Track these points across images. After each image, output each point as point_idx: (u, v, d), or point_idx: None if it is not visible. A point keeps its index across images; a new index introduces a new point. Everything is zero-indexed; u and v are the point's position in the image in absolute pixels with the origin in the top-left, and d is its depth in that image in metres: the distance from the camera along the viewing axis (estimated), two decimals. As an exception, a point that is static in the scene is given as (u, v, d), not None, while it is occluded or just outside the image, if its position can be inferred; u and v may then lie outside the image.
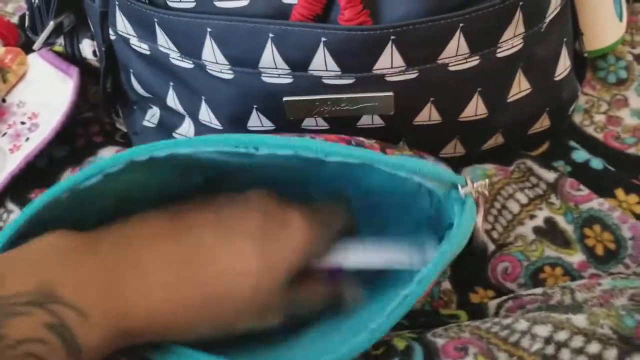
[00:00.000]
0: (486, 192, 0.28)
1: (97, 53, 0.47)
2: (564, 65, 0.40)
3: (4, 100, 0.48)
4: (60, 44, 0.48)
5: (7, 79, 0.49)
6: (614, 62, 0.49)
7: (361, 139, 0.30)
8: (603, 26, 0.45)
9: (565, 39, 0.39)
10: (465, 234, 0.28)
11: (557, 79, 0.41)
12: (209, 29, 0.32)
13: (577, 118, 0.47)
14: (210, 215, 0.28)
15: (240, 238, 0.27)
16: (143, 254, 0.26)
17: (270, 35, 0.32)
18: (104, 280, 0.24)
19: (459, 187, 0.28)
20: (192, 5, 0.33)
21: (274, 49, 0.32)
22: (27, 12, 0.44)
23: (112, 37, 0.39)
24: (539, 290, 0.36)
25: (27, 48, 0.50)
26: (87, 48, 0.47)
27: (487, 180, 0.29)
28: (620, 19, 0.46)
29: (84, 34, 0.47)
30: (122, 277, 0.25)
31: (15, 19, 0.56)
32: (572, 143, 0.46)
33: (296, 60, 0.33)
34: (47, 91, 0.48)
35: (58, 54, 0.49)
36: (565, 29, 0.39)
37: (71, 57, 0.48)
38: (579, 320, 0.28)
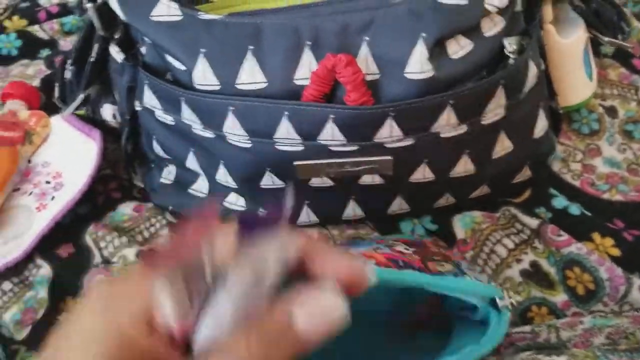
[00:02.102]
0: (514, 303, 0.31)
1: (117, 116, 0.51)
2: (541, 124, 0.46)
3: (29, 161, 0.52)
4: (81, 108, 0.52)
5: (32, 140, 0.53)
6: (587, 115, 0.55)
7: (403, 250, 0.32)
8: (575, 87, 0.50)
9: (541, 103, 0.45)
10: (497, 342, 0.30)
11: (535, 137, 0.46)
12: (231, 108, 0.37)
13: (556, 166, 0.52)
14: None
15: None
16: None
17: (286, 112, 0.36)
18: None
19: (497, 300, 0.30)
20: (217, 87, 0.37)
21: (289, 124, 0.37)
22: (56, 84, 0.48)
23: (138, 108, 0.44)
24: (527, 328, 0.40)
25: (47, 109, 0.54)
26: (107, 112, 0.52)
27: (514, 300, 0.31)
28: (591, 79, 0.52)
29: (105, 99, 0.51)
30: None
31: (36, 82, 0.60)
32: (552, 190, 0.50)
33: (307, 132, 0.38)
34: (70, 152, 0.52)
35: (80, 116, 0.53)
36: (541, 95, 0.44)
37: (92, 119, 0.52)
38: (561, 361, 0.32)
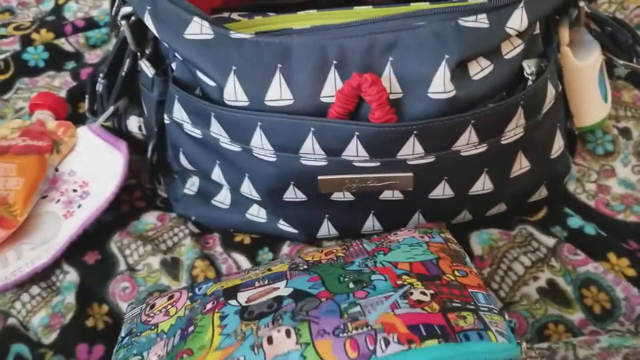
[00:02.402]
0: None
1: (143, 128, 0.53)
2: (558, 145, 0.46)
3: (56, 170, 0.54)
4: (108, 120, 0.54)
5: (60, 149, 0.54)
6: (602, 136, 0.56)
7: (422, 299, 0.32)
8: (590, 108, 0.51)
9: (558, 124, 0.46)
10: None
11: (552, 157, 0.46)
12: (259, 123, 0.38)
13: (571, 186, 0.53)
14: None
15: None
16: None
17: (312, 129, 0.38)
18: None
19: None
20: (246, 103, 0.38)
21: (314, 139, 0.38)
22: (87, 97, 0.50)
23: (167, 121, 0.45)
24: (544, 345, 0.40)
25: (73, 119, 0.56)
26: (133, 123, 0.53)
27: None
28: (605, 100, 0.53)
29: (132, 111, 0.53)
30: None
31: (62, 93, 0.62)
32: (567, 210, 0.51)
33: (332, 148, 0.39)
34: (96, 162, 0.53)
35: (106, 127, 0.54)
36: (559, 115, 0.45)
37: (118, 130, 0.54)
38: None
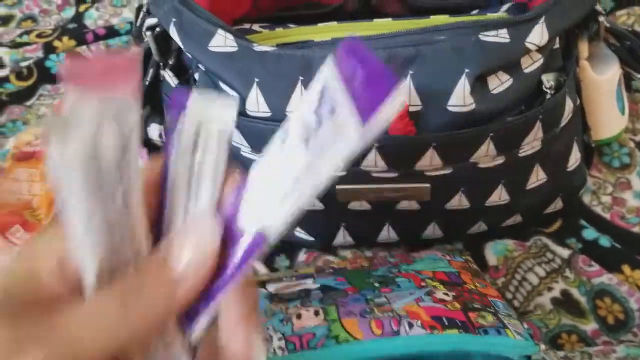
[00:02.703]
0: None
1: (163, 136, 0.53)
2: (575, 157, 0.47)
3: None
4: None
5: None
6: (618, 149, 0.56)
7: (444, 298, 0.33)
8: (607, 121, 0.51)
9: (575, 137, 0.46)
10: None
11: (569, 169, 0.47)
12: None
13: (586, 199, 0.53)
14: None
15: None
16: None
17: (332, 140, 0.38)
18: None
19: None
20: (268, 114, 0.39)
21: (334, 150, 0.39)
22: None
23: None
24: (560, 354, 0.41)
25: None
26: (154, 131, 0.54)
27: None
28: (622, 113, 0.53)
29: (152, 119, 0.53)
30: None
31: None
32: (582, 222, 0.51)
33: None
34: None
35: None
36: (576, 129, 0.46)
37: (139, 137, 0.55)
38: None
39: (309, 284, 0.37)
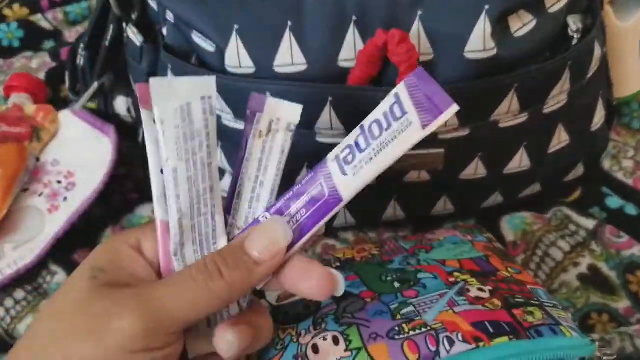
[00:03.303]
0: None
1: (132, 110, 0.47)
2: (599, 116, 0.42)
3: (37, 159, 0.48)
4: (93, 101, 0.49)
5: (41, 137, 0.48)
6: (637, 109, 0.51)
7: (481, 296, 0.28)
8: (629, 76, 0.46)
9: (601, 92, 0.41)
10: None
11: (593, 129, 0.42)
12: (268, 94, 0.33)
13: (606, 164, 0.48)
14: None
15: None
16: None
17: (329, 98, 0.33)
18: None
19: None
20: (251, 71, 0.33)
21: (332, 111, 0.33)
22: (67, 73, 0.44)
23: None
24: (596, 336, 0.36)
25: (55, 104, 0.50)
26: (121, 105, 0.48)
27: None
28: (644, 67, 0.48)
29: (119, 91, 0.47)
30: None
31: (41, 75, 0.56)
32: (605, 189, 0.46)
33: (352, 121, 0.33)
34: (82, 149, 0.48)
35: (91, 110, 0.49)
36: (602, 82, 0.41)
37: (104, 113, 0.48)
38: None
39: None
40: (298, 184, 0.25)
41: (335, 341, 0.26)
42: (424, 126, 0.23)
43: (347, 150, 0.24)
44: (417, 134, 0.23)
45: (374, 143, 0.24)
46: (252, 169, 0.26)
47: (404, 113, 0.23)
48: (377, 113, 0.24)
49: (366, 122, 0.25)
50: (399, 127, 0.23)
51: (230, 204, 0.26)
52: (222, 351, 0.25)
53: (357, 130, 0.25)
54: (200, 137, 0.22)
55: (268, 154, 0.26)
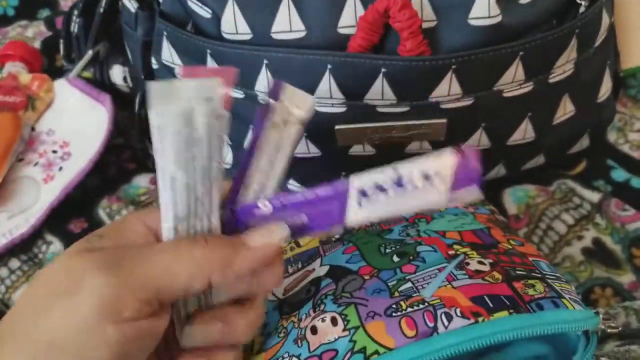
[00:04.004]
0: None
1: (128, 79, 0.46)
2: (606, 86, 0.40)
3: (32, 129, 0.47)
4: (88, 70, 0.48)
5: (36, 106, 0.48)
6: (645, 80, 0.50)
7: (481, 269, 0.27)
8: (638, 45, 0.45)
9: (608, 62, 0.40)
10: None
11: (599, 100, 0.41)
12: (265, 61, 0.32)
13: (612, 136, 0.47)
14: None
15: None
16: None
17: (329, 66, 0.32)
18: None
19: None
20: (248, 37, 0.32)
21: (332, 79, 0.32)
22: (61, 41, 0.43)
23: (155, 66, 0.39)
24: (601, 311, 0.36)
25: (50, 73, 0.49)
26: (117, 74, 0.47)
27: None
28: (653, 37, 0.47)
29: (114, 60, 0.46)
30: None
31: (37, 44, 0.55)
32: (610, 162, 0.46)
33: (353, 90, 0.33)
34: (77, 119, 0.47)
35: (87, 80, 0.48)
36: (609, 52, 0.39)
37: (100, 83, 0.47)
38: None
39: (317, 267, 0.30)
40: (313, 193, 0.24)
41: (334, 322, 0.26)
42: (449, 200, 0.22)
43: (373, 189, 0.23)
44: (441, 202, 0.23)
45: (398, 190, 0.23)
46: (263, 160, 0.25)
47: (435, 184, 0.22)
48: (417, 167, 0.23)
49: (404, 170, 0.23)
50: (425, 187, 0.22)
51: (236, 191, 0.25)
52: (180, 338, 0.24)
53: (390, 174, 0.23)
54: (201, 143, 0.21)
55: (280, 146, 0.25)
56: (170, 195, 0.22)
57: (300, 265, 0.32)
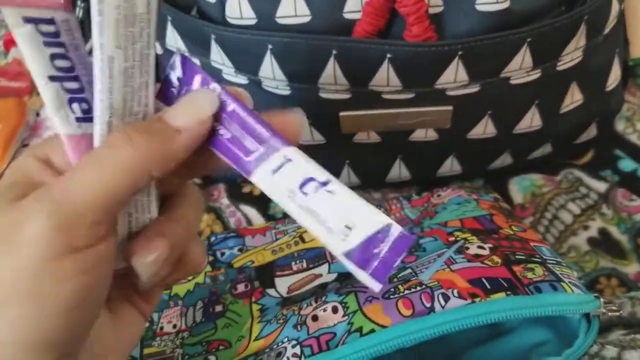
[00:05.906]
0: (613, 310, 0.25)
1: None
2: (615, 75, 0.40)
3: (37, 115, 0.48)
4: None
5: (41, 93, 0.48)
6: (655, 69, 0.49)
7: (481, 253, 0.27)
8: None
9: (617, 50, 0.39)
10: (585, 348, 0.26)
11: (608, 89, 0.40)
12: (270, 46, 0.32)
13: (620, 126, 0.47)
14: None
15: None
16: None
17: (334, 51, 0.31)
18: None
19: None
20: (253, 22, 0.32)
21: (337, 65, 0.32)
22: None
23: (159, 52, 0.39)
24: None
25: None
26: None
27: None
28: (664, 25, 0.46)
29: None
30: None
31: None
32: (618, 152, 0.45)
33: (358, 76, 0.32)
34: (82, 105, 0.47)
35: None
36: (618, 40, 0.39)
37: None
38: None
39: (324, 274, 0.30)
40: (258, 118, 0.21)
41: (334, 310, 0.26)
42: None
43: (299, 174, 0.20)
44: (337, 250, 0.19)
45: (315, 195, 0.19)
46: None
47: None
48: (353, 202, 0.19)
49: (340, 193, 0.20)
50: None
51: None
52: (140, 274, 0.21)
53: (325, 179, 0.20)
54: (141, 22, 0.19)
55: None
56: (108, 82, 0.19)
57: (305, 265, 0.32)
